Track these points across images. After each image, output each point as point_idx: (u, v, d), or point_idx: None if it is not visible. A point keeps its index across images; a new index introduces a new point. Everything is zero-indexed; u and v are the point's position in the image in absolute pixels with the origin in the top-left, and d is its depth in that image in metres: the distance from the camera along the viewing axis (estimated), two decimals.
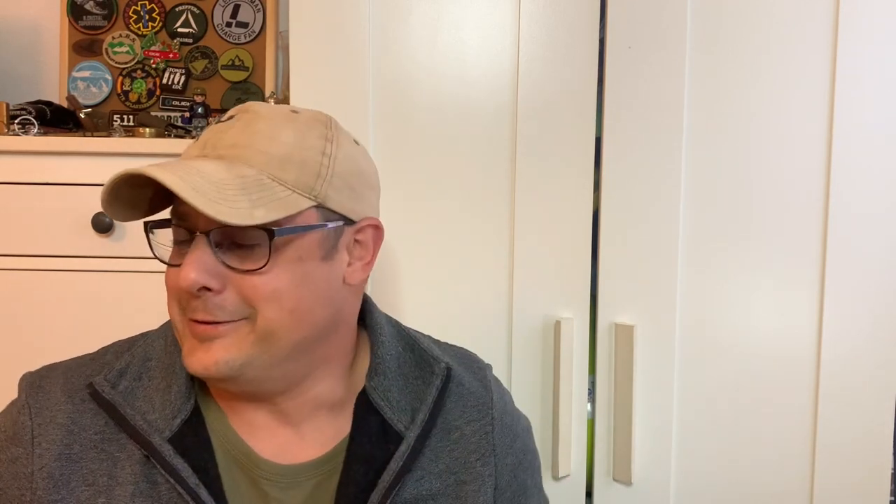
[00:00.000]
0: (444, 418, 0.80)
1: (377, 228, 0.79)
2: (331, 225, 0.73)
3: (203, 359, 0.69)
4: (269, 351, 0.70)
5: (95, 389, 0.73)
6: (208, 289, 0.68)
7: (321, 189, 0.72)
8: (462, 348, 0.89)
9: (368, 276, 0.80)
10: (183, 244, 0.71)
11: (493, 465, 0.80)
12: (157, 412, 0.72)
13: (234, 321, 0.69)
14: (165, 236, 0.74)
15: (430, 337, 0.87)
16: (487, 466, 0.80)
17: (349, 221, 0.75)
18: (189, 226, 0.70)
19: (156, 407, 0.73)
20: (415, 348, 0.82)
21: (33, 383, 0.75)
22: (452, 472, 0.78)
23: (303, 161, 0.71)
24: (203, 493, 0.70)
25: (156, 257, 0.73)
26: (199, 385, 0.76)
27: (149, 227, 0.73)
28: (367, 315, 0.82)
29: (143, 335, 0.80)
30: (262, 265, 0.69)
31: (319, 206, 0.72)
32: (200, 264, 0.68)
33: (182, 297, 0.70)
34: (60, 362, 0.78)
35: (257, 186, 0.68)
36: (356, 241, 0.77)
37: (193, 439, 0.72)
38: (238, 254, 0.69)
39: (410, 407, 0.78)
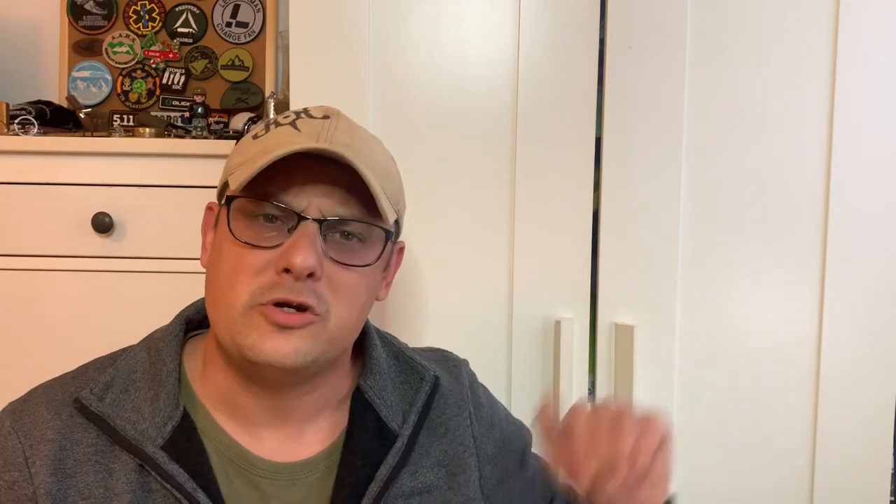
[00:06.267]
0: (430, 417, 0.82)
1: (402, 252, 0.84)
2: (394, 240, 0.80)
3: (282, 345, 0.69)
4: (333, 351, 0.74)
5: (83, 404, 0.73)
6: (311, 275, 0.69)
7: (402, 203, 0.80)
8: (436, 349, 0.91)
9: None
10: (270, 222, 0.71)
11: (476, 455, 0.83)
12: (147, 421, 0.72)
13: (312, 317, 0.70)
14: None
15: (406, 345, 0.88)
16: (472, 458, 0.82)
17: (395, 240, 0.81)
18: (298, 208, 0.71)
19: (145, 416, 0.73)
20: (399, 356, 0.85)
21: (14, 410, 0.74)
22: (443, 465, 0.80)
23: (392, 174, 0.77)
24: (201, 497, 0.70)
25: (232, 234, 0.71)
26: (185, 391, 0.76)
27: (231, 200, 0.72)
28: None
29: (124, 350, 0.80)
30: (369, 263, 0.73)
31: (396, 222, 0.78)
32: (316, 250, 0.70)
33: (273, 280, 0.69)
34: (38, 385, 0.77)
35: (383, 189, 0.73)
36: (389, 262, 0.81)
37: (187, 444, 0.72)
38: (340, 246, 0.72)
39: (401, 409, 0.80)
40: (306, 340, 0.70)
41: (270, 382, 0.74)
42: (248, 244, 0.71)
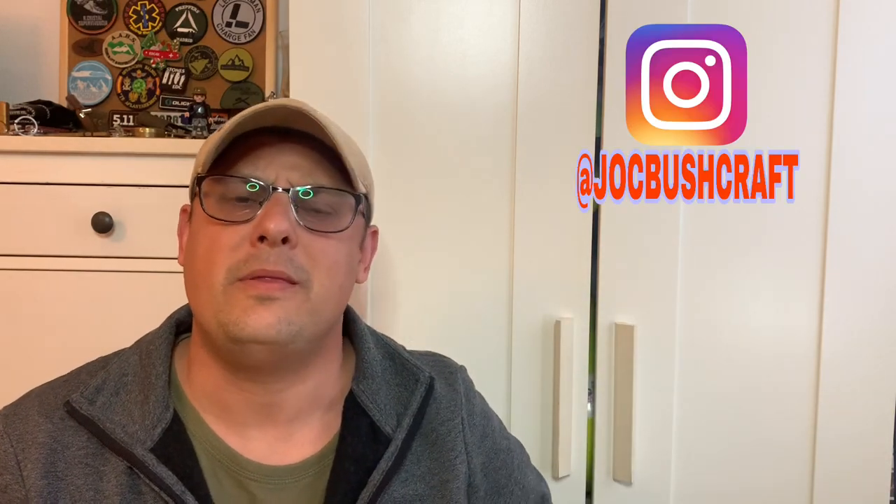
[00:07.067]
0: (423, 422, 0.81)
1: (376, 236, 0.86)
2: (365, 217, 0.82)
3: (265, 316, 0.69)
4: (316, 324, 0.73)
5: (73, 407, 0.73)
6: (286, 241, 0.70)
7: (369, 181, 0.81)
8: (434, 354, 0.90)
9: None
10: (242, 201, 0.73)
11: (466, 462, 0.82)
12: (136, 424, 0.72)
13: (293, 285, 0.71)
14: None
15: (403, 347, 0.88)
16: (463, 464, 0.82)
17: (368, 221, 0.82)
18: (268, 181, 0.72)
19: (135, 419, 0.73)
20: (395, 357, 0.85)
21: (7, 415, 0.75)
22: (435, 474, 0.80)
23: (355, 149, 0.79)
24: (190, 500, 0.70)
25: (205, 211, 0.73)
26: (176, 394, 0.76)
27: (202, 180, 0.74)
28: (351, 323, 0.84)
29: (117, 353, 0.80)
30: (342, 228, 0.75)
31: (365, 196, 0.79)
32: (288, 216, 0.71)
33: (249, 253, 0.70)
34: (32, 389, 0.78)
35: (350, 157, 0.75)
36: (363, 243, 0.82)
37: (176, 447, 0.72)
38: (312, 217, 0.73)
39: (395, 412, 0.80)
40: (288, 310, 0.70)
41: (257, 369, 0.74)
42: (222, 220, 0.72)
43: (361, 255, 0.82)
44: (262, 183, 0.72)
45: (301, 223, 0.72)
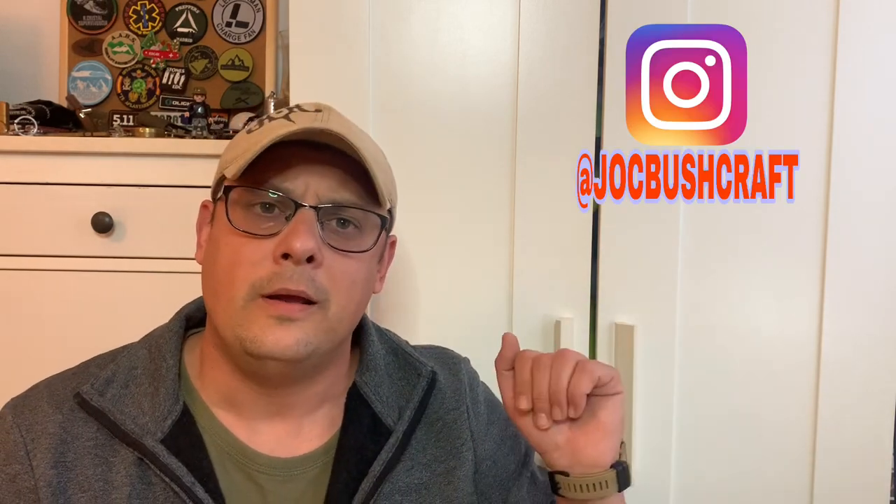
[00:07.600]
0: (427, 413, 0.82)
1: (394, 245, 0.85)
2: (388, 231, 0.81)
3: (283, 338, 0.69)
4: (332, 341, 0.74)
5: (84, 398, 0.73)
6: (311, 260, 0.70)
7: (395, 195, 0.80)
8: (437, 347, 0.91)
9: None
10: (268, 211, 0.72)
11: (473, 450, 0.83)
12: (147, 416, 0.73)
13: (311, 305, 0.71)
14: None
15: (406, 342, 0.89)
16: (469, 451, 0.83)
17: (389, 232, 0.81)
18: (296, 194, 0.71)
19: (145, 410, 0.73)
20: (398, 352, 0.85)
21: (17, 405, 0.75)
22: (441, 461, 0.81)
23: (384, 165, 0.78)
24: (199, 491, 0.70)
25: (230, 223, 0.72)
26: (185, 387, 0.77)
27: (229, 190, 0.73)
28: None
29: (125, 347, 0.81)
30: (366, 249, 0.74)
31: (389, 212, 0.78)
32: (314, 235, 0.70)
33: (272, 270, 0.69)
34: (40, 381, 0.78)
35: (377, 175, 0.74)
36: (383, 255, 0.82)
37: (186, 439, 0.73)
38: (337, 234, 0.73)
39: (397, 405, 0.81)
40: (307, 330, 0.71)
41: (270, 377, 0.74)
42: (247, 233, 0.71)
43: (379, 266, 0.82)
44: (289, 197, 0.71)
45: (325, 241, 0.72)
